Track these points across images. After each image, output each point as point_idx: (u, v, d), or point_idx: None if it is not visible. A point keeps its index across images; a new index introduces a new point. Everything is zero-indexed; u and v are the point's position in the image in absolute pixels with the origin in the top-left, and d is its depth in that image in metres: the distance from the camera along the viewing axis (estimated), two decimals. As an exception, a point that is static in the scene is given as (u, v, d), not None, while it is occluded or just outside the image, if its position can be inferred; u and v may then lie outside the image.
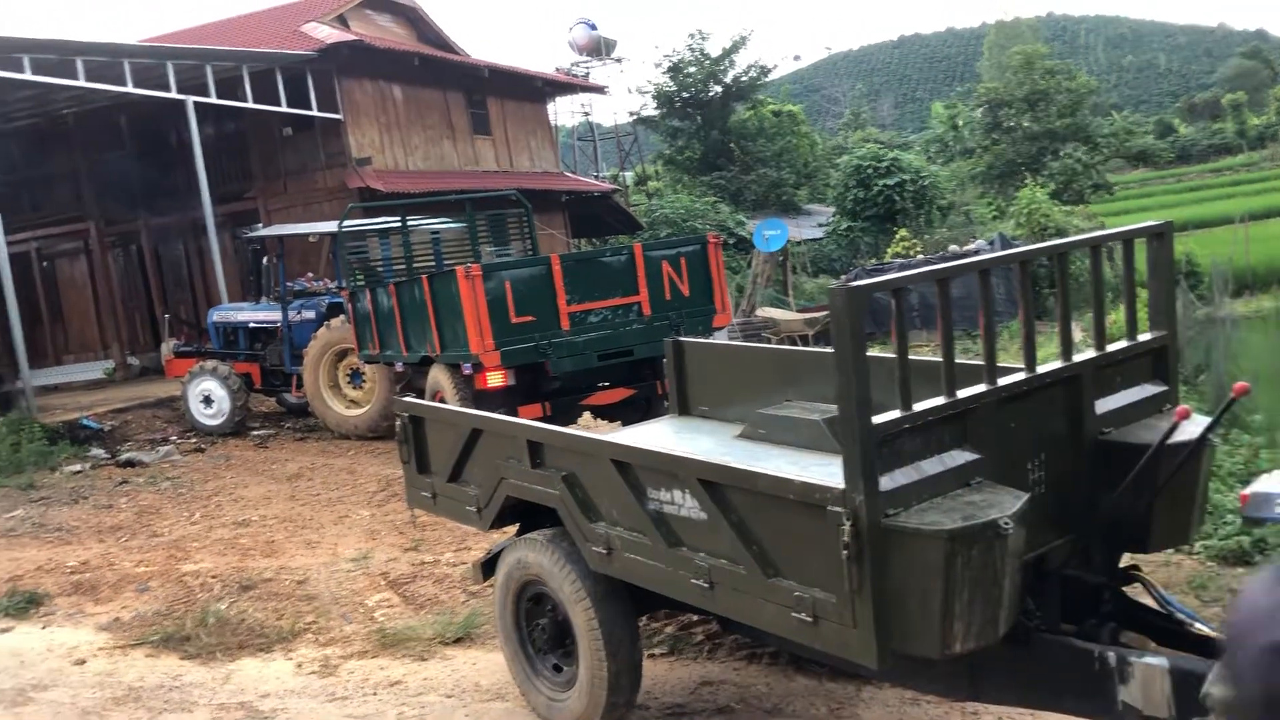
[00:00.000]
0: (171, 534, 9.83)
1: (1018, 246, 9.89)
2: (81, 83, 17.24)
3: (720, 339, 10.68)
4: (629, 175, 47.25)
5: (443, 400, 10.41)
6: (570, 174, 35.38)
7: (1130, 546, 4.10)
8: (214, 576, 8.13)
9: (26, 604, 7.95)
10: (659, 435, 5.71)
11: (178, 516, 10.54)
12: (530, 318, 10.32)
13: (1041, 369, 3.83)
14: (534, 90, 29.81)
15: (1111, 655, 3.44)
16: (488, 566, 5.30)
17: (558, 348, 10.34)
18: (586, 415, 11.13)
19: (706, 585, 3.92)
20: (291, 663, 6.36)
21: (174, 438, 15.12)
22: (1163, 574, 5.66)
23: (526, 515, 5.09)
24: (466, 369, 10.49)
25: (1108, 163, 43.87)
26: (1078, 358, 3.94)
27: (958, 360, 3.60)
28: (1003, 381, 3.68)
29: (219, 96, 19.43)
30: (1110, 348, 4.07)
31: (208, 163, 19.77)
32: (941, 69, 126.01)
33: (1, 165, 21.70)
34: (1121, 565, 4.15)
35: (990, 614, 3.22)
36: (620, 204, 33.99)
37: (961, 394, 3.54)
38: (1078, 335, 5.85)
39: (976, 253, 19.03)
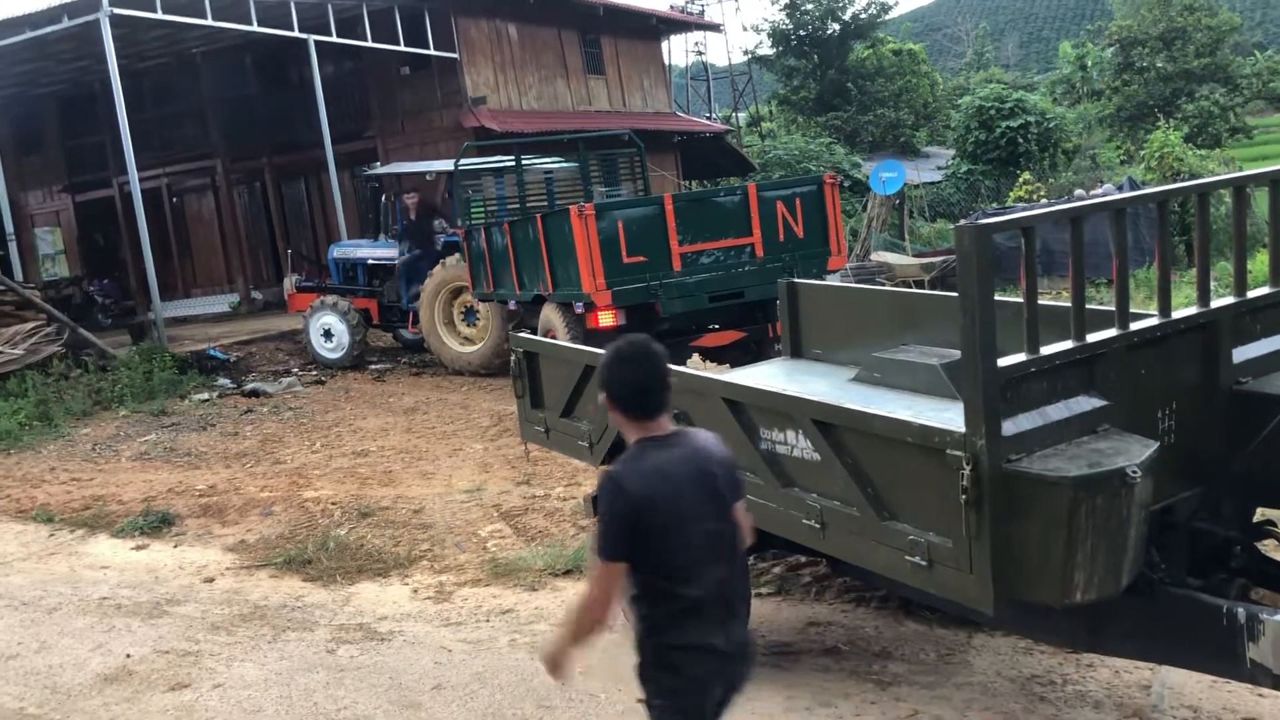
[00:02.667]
0: (293, 462, 10.18)
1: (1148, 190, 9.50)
2: (209, 21, 17.67)
3: (833, 282, 10.53)
4: (742, 116, 46.66)
5: (554, 339, 10.51)
6: (683, 114, 35.10)
7: (1265, 501, 3.95)
8: (334, 503, 8.42)
9: (160, 523, 8.35)
10: (771, 376, 5.68)
11: (299, 445, 10.91)
12: (642, 258, 10.31)
13: (1176, 314, 3.68)
14: (648, 28, 29.53)
15: (1241, 611, 3.33)
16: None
17: (669, 288, 10.32)
18: (696, 357, 11.12)
19: (818, 526, 3.90)
20: (407, 588, 6.56)
21: (295, 370, 15.62)
22: (1297, 532, 5.44)
23: (638, 452, 5.11)
24: (578, 308, 10.56)
25: (1248, 105, 41.66)
26: (1215, 304, 3.78)
27: (1086, 305, 3.48)
28: (1135, 326, 3.55)
29: (339, 35, 19.73)
30: (1251, 294, 3.89)
31: (328, 102, 20.16)
32: (1070, 6, 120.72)
33: (134, 103, 22.47)
34: (1255, 520, 3.99)
35: (1113, 564, 3.14)
36: (733, 145, 33.63)
37: (1091, 338, 3.42)
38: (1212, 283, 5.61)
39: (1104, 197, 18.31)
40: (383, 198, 16.48)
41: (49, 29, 17.14)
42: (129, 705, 5.24)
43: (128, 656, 5.83)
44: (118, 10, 16.31)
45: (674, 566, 2.88)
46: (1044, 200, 21.59)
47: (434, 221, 15.16)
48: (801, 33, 40.78)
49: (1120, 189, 19.19)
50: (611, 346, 3.04)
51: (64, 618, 6.58)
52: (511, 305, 12.49)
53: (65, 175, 27.57)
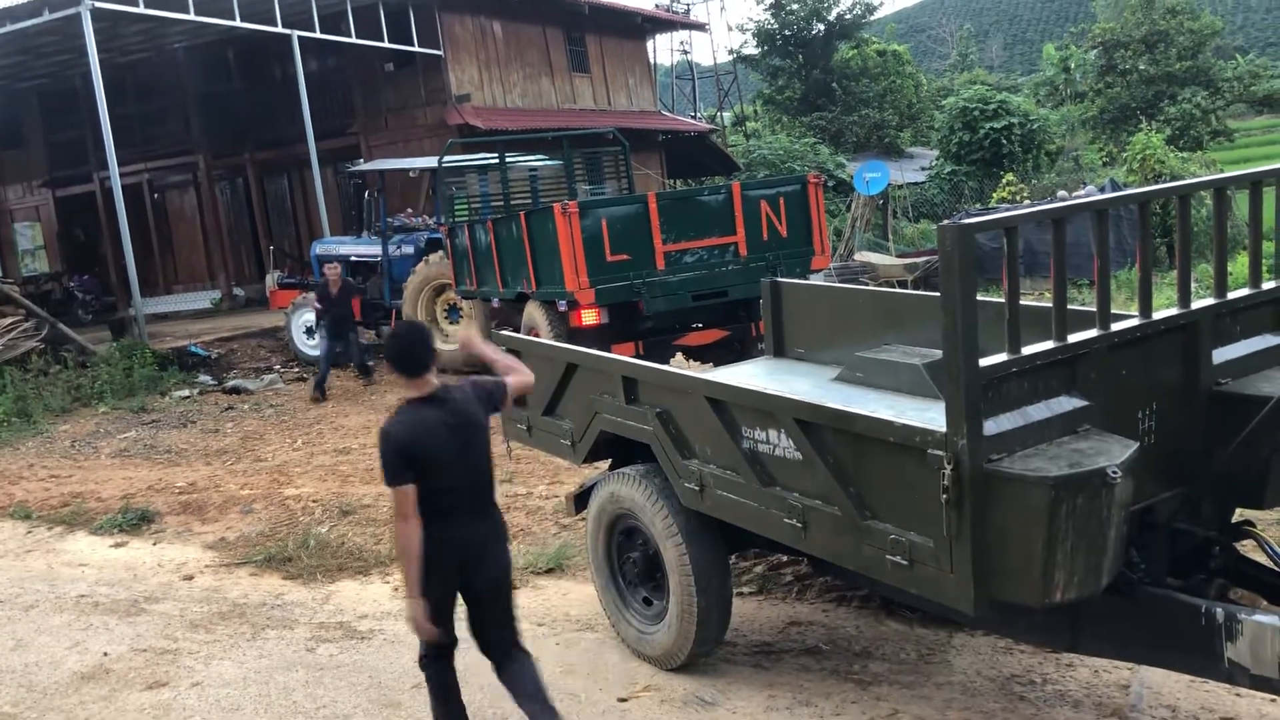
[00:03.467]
0: (274, 459, 10.13)
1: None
2: (192, 16, 17.56)
3: (816, 282, 10.53)
4: (727, 116, 46.69)
5: (538, 337, 10.48)
6: (668, 113, 35.09)
7: (1244, 502, 3.97)
8: (315, 501, 8.37)
9: (139, 521, 8.30)
10: (754, 375, 5.68)
11: (280, 442, 10.85)
12: (625, 256, 10.28)
13: (1157, 315, 3.69)
14: (633, 27, 29.52)
15: (1219, 611, 3.34)
16: (580, 500, 5.35)
17: (652, 287, 10.30)
18: (679, 355, 11.11)
19: (799, 525, 3.90)
20: (388, 586, 6.53)
21: (277, 367, 15.54)
22: (1276, 531, 5.47)
23: (619, 450, 5.12)
24: (561, 306, 10.53)
25: (1229, 108, 41.88)
26: (1196, 305, 3.79)
27: (1068, 306, 3.48)
28: (1116, 327, 3.56)
29: (323, 31, 19.64)
30: (1231, 295, 3.91)
31: (311, 98, 20.06)
32: (1054, 8, 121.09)
33: (115, 98, 22.32)
34: (1234, 520, 4.01)
35: (1093, 564, 3.15)
36: (717, 145, 33.64)
37: (1072, 338, 3.43)
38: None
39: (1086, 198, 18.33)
40: (365, 194, 16.43)
41: (30, 22, 17.02)
42: (106, 704, 5.20)
43: (105, 654, 5.79)
44: (99, 4, 16.20)
45: (433, 487, 3.90)
46: (1027, 201, 21.67)
47: (352, 302, 13.85)
48: (786, 33, 40.84)
49: (1102, 190, 19.28)
50: (393, 328, 4.24)
51: (41, 615, 6.53)
52: (495, 303, 12.45)
53: (46, 170, 27.37)
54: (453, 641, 4.23)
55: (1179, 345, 3.74)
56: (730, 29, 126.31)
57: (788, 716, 4.45)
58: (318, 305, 13.57)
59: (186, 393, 13.97)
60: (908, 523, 3.45)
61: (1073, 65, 43.77)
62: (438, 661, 4.24)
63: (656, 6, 39.45)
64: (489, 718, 4.71)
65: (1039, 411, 3.34)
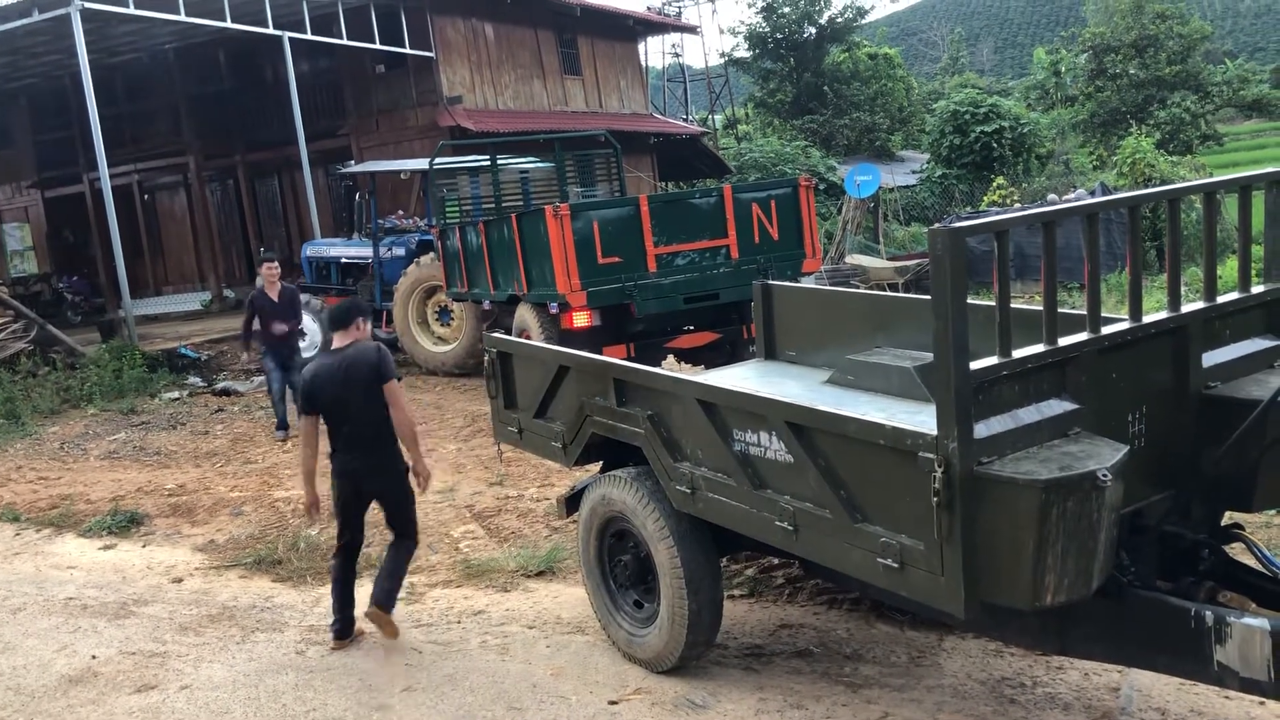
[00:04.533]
0: (264, 461, 10.10)
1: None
2: (182, 17, 17.52)
3: (808, 285, 10.54)
4: (718, 118, 46.74)
5: (529, 339, 10.47)
6: (659, 116, 35.11)
7: (1233, 504, 3.98)
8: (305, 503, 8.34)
9: (128, 523, 8.26)
10: (745, 378, 5.68)
11: (270, 444, 10.81)
12: (617, 259, 10.29)
13: (1147, 319, 3.70)
14: (625, 29, 29.53)
15: (1209, 614, 3.35)
16: (571, 502, 5.35)
17: (644, 289, 10.30)
18: (670, 358, 11.10)
19: (790, 528, 3.90)
20: (379, 589, 6.50)
21: (268, 368, 15.47)
22: (1265, 534, 5.49)
23: (611, 453, 5.11)
24: (553, 308, 10.53)
25: (1218, 112, 42.04)
26: (1186, 308, 3.80)
27: (1058, 309, 3.49)
28: (1106, 330, 3.57)
29: (314, 33, 19.61)
30: (1220, 299, 3.92)
31: (302, 99, 20.02)
32: (1045, 13, 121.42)
33: (105, 99, 22.22)
34: (1223, 523, 4.02)
35: (1084, 567, 3.15)
36: (708, 147, 33.66)
37: (1062, 342, 3.44)
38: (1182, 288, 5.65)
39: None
40: (357, 196, 16.39)
41: (19, 22, 16.96)
42: (94, 707, 5.17)
43: (93, 658, 5.76)
44: (89, 4, 16.15)
45: (331, 421, 5.41)
46: (1017, 205, 21.73)
47: (303, 307, 11.55)
48: (778, 36, 40.91)
49: (1093, 194, 19.35)
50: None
51: (29, 618, 6.50)
52: (486, 305, 12.44)
53: (35, 171, 27.26)
54: (355, 544, 5.65)
55: (1169, 349, 3.75)
56: (722, 32, 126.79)
57: (778, 719, 4.45)
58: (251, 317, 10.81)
59: (176, 394, 13.92)
60: (898, 526, 3.46)
61: (1063, 69, 43.89)
62: (341, 556, 5.62)
63: (648, 9, 39.49)
64: (483, 718, 4.71)
65: (1029, 414, 3.35)
